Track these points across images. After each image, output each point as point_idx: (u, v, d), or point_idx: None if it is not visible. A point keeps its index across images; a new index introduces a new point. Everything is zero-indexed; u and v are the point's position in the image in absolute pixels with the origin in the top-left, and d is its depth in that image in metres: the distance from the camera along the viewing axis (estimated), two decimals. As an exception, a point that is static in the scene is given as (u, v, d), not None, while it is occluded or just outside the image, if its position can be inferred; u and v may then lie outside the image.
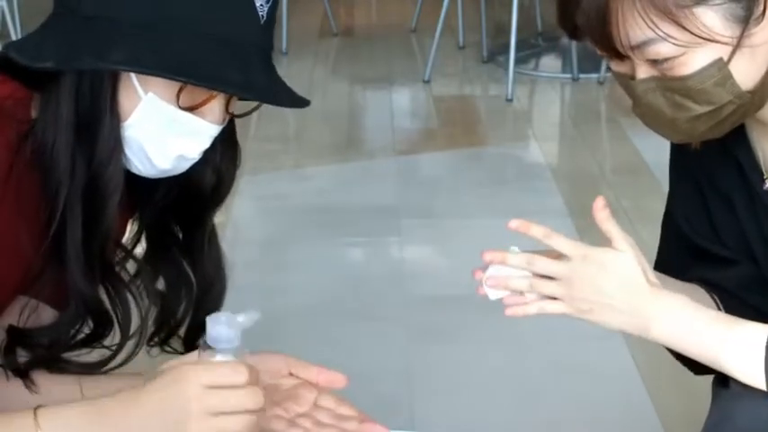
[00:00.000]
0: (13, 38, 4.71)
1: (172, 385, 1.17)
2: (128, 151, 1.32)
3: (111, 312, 1.39)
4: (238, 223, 3.38)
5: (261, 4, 1.28)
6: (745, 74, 1.28)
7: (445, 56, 5.23)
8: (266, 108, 1.36)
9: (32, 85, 1.31)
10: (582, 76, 4.98)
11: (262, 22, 1.29)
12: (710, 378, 1.42)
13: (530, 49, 5.38)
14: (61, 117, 1.28)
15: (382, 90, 4.93)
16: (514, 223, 1.35)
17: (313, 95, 1.44)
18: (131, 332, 1.41)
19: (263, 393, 1.19)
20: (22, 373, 1.38)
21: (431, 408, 2.38)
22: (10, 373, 1.38)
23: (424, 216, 3.49)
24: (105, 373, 1.41)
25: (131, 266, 1.43)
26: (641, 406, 2.40)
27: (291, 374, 1.43)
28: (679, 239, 1.54)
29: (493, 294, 1.37)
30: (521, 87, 4.86)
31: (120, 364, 1.42)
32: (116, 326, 1.40)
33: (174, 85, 1.27)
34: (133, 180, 1.35)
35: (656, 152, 2.04)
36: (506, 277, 1.36)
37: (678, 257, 1.53)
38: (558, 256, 1.34)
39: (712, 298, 1.48)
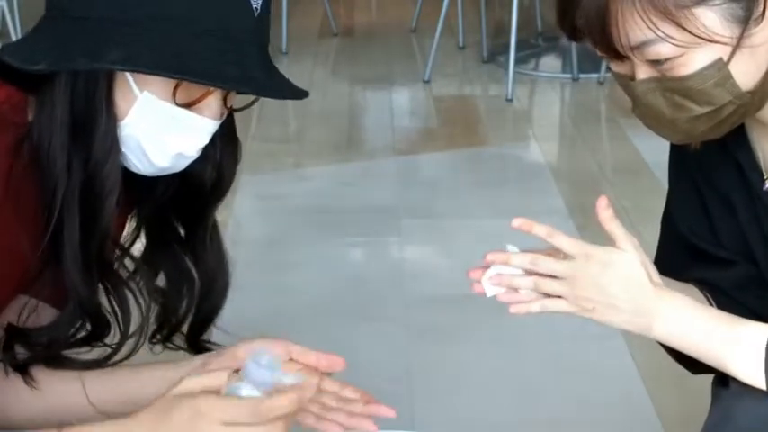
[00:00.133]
0: (13, 38, 4.71)
1: (190, 422, 1.14)
2: (126, 150, 1.31)
3: (110, 312, 1.39)
4: (238, 223, 3.38)
5: None
6: (744, 74, 1.28)
7: (445, 56, 5.23)
8: (266, 108, 1.36)
9: (28, 89, 1.31)
10: (582, 76, 4.98)
11: (256, 14, 1.28)
12: (710, 378, 1.42)
13: (530, 50, 5.38)
14: (56, 118, 1.28)
15: (382, 90, 4.93)
16: (517, 222, 1.35)
17: (313, 95, 1.43)
18: (132, 330, 1.41)
19: (286, 425, 1.15)
20: (22, 369, 1.38)
21: (431, 408, 2.37)
22: (10, 369, 1.38)
23: (424, 216, 3.49)
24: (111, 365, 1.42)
25: (131, 264, 1.43)
26: (641, 406, 2.39)
27: (292, 360, 1.43)
28: (677, 239, 1.54)
29: (489, 291, 1.37)
30: (521, 87, 4.86)
31: (121, 361, 1.43)
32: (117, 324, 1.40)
33: (170, 83, 1.27)
34: (132, 178, 1.35)
35: (656, 152, 2.04)
36: (510, 276, 1.36)
37: (676, 257, 1.53)
38: (558, 255, 1.35)
39: (705, 297, 1.48)
